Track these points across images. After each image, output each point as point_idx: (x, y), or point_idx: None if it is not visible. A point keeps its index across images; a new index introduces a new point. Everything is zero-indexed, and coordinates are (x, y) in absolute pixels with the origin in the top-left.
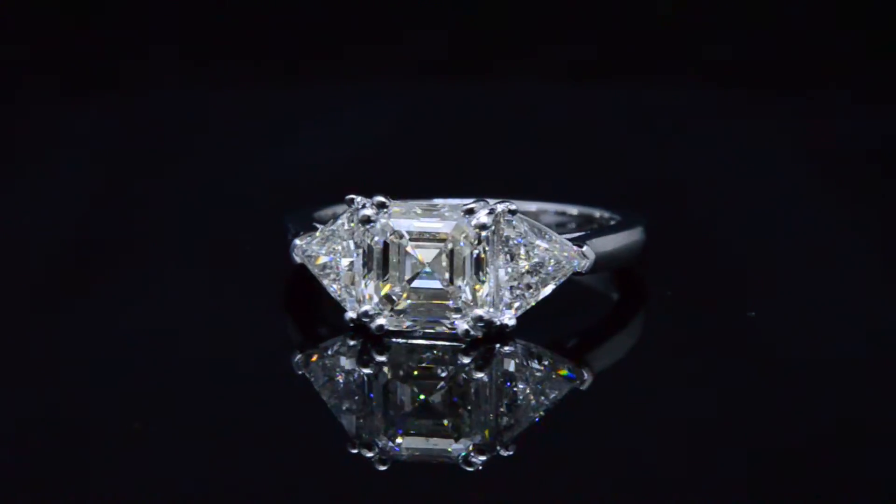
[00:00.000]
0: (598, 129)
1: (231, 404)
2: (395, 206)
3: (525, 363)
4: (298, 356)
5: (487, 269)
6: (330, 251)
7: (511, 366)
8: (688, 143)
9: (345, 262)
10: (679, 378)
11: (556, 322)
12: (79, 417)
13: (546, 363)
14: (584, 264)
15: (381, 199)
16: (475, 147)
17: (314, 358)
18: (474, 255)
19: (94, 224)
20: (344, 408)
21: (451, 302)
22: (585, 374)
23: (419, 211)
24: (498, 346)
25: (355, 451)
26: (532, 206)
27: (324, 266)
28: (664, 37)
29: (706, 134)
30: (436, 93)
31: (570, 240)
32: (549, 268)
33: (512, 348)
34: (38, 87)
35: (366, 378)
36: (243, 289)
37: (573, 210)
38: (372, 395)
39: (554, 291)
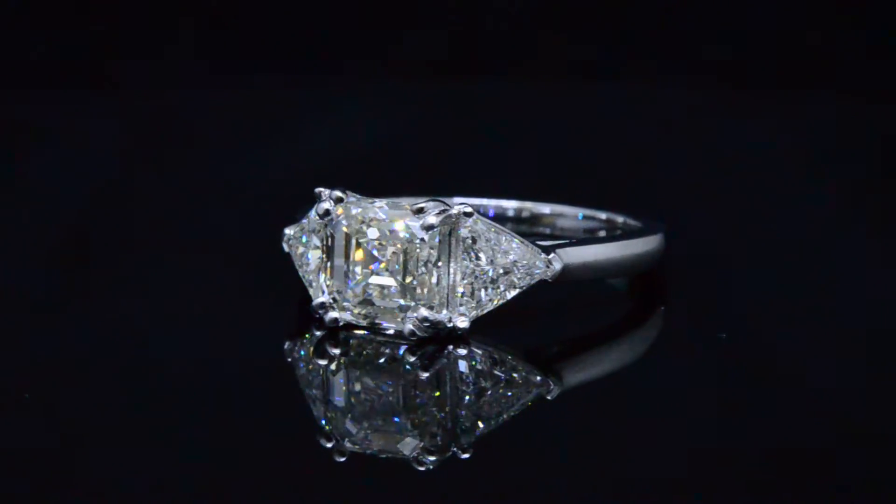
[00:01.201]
0: (598, 129)
1: (206, 392)
2: (354, 202)
3: (475, 367)
4: (287, 345)
5: (438, 270)
6: (305, 242)
7: (459, 368)
8: (689, 144)
9: (311, 253)
10: (654, 394)
11: (550, 326)
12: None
13: (506, 368)
14: (550, 272)
15: (338, 193)
16: (481, 147)
17: (288, 349)
18: (424, 255)
19: (93, 223)
20: (302, 398)
21: (401, 300)
22: (552, 384)
23: (379, 208)
24: (451, 347)
25: (320, 441)
26: (547, 209)
27: (301, 255)
28: (665, 36)
29: (707, 134)
30: (438, 93)
31: (543, 247)
32: (514, 274)
33: (465, 351)
34: (38, 86)
35: (312, 370)
36: (245, 282)
37: (602, 215)
38: (320, 387)
39: (560, 296)
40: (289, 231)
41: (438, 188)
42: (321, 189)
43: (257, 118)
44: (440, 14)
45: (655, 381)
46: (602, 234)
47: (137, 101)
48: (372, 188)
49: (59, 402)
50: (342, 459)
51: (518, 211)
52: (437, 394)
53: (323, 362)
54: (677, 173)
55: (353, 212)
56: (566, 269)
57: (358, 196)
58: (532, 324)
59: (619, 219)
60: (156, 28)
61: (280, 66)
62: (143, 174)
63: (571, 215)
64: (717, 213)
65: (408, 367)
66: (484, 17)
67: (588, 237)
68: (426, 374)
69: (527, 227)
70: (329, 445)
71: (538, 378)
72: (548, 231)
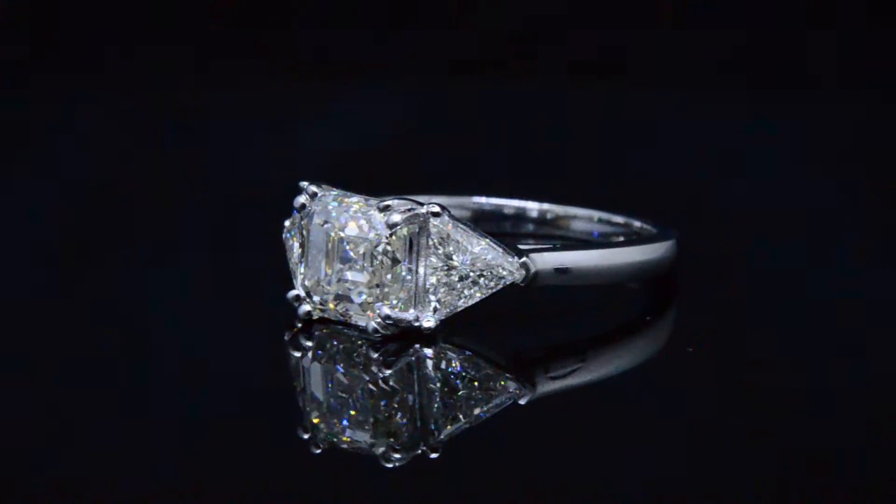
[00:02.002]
0: (597, 130)
1: (195, 382)
2: (331, 197)
3: (442, 367)
4: (287, 336)
5: (405, 268)
6: (293, 235)
7: (425, 368)
8: (687, 145)
9: (295, 246)
10: (635, 401)
11: (542, 329)
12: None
13: (479, 370)
14: (521, 276)
15: (313, 188)
16: (484, 148)
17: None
18: (390, 253)
19: (93, 222)
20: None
21: (370, 297)
22: (522, 389)
23: (354, 204)
24: (418, 346)
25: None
26: (563, 211)
27: (290, 248)
28: (665, 36)
29: (706, 134)
30: (438, 93)
31: (518, 250)
32: (484, 275)
33: (433, 351)
34: (35, 85)
35: (284, 362)
36: (246, 277)
37: (618, 219)
38: (289, 381)
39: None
40: (286, 223)
41: (442, 189)
42: (303, 183)
43: (258, 117)
44: (440, 14)
45: (638, 390)
46: (621, 238)
47: (134, 101)
48: (373, 188)
49: (56, 398)
50: (318, 451)
51: (542, 213)
52: (401, 392)
53: (297, 355)
54: (676, 174)
55: (329, 206)
56: (540, 275)
57: (337, 191)
58: (523, 326)
59: (637, 223)
60: (156, 27)
61: (281, 65)
62: (141, 172)
63: (586, 218)
64: (716, 213)
65: (371, 364)
66: (483, 17)
67: (572, 243)
68: (388, 372)
69: (547, 230)
70: (306, 437)
71: (511, 382)
72: (560, 233)
